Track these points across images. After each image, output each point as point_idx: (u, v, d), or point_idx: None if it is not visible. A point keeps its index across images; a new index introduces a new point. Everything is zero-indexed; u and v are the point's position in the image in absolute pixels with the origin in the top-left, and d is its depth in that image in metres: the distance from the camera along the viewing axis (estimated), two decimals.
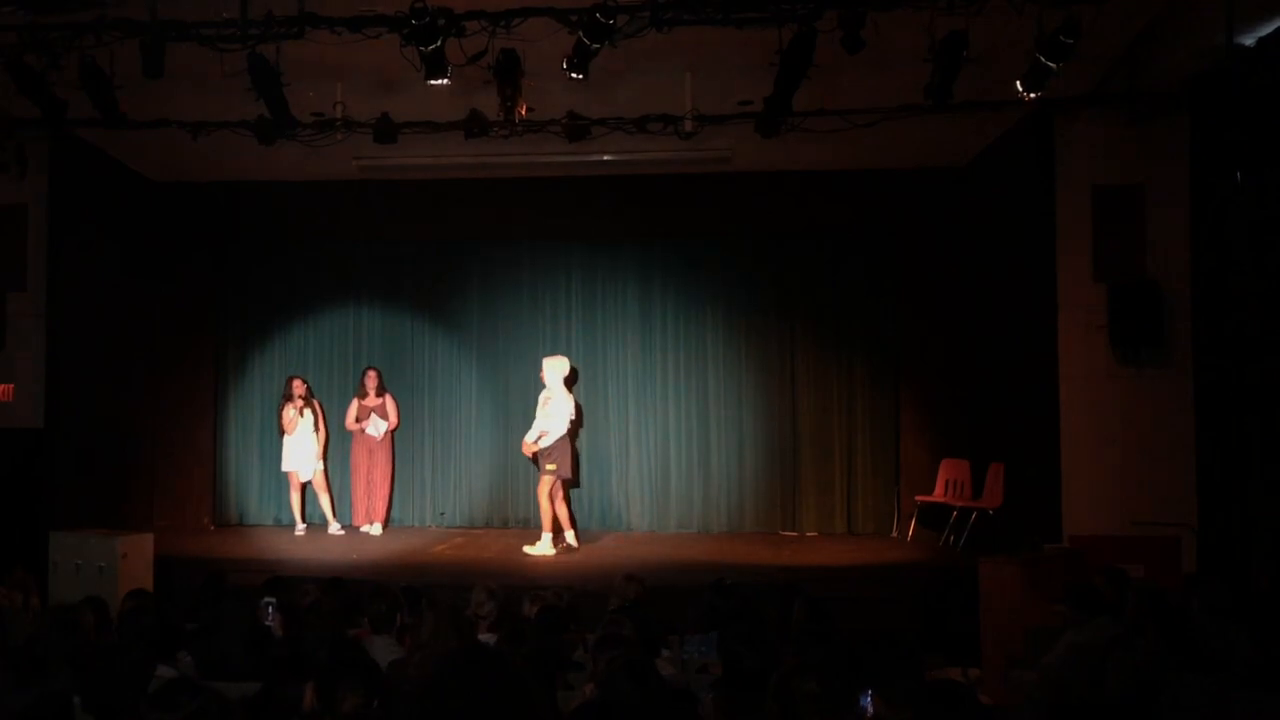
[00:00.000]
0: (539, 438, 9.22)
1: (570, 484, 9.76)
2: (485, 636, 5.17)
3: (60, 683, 3.02)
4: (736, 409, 10.53)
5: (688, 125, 7.67)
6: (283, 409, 10.08)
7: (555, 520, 9.15)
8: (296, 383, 10.08)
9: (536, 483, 9.38)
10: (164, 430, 10.53)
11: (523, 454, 9.55)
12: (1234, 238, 7.11)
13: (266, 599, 5.36)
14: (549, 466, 9.11)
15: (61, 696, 3.05)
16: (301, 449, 9.99)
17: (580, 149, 8.16)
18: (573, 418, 9.37)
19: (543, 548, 9.01)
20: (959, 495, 9.43)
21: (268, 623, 5.15)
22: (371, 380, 10.12)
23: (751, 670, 3.90)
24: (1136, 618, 4.96)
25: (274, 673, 3.86)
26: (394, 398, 10.28)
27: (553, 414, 9.22)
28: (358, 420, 10.13)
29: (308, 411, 10.01)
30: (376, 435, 10.07)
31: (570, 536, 9.22)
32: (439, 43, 6.09)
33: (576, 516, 10.56)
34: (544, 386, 9.38)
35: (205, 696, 2.75)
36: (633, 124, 7.75)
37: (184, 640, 4.84)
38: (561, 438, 9.17)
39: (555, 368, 9.39)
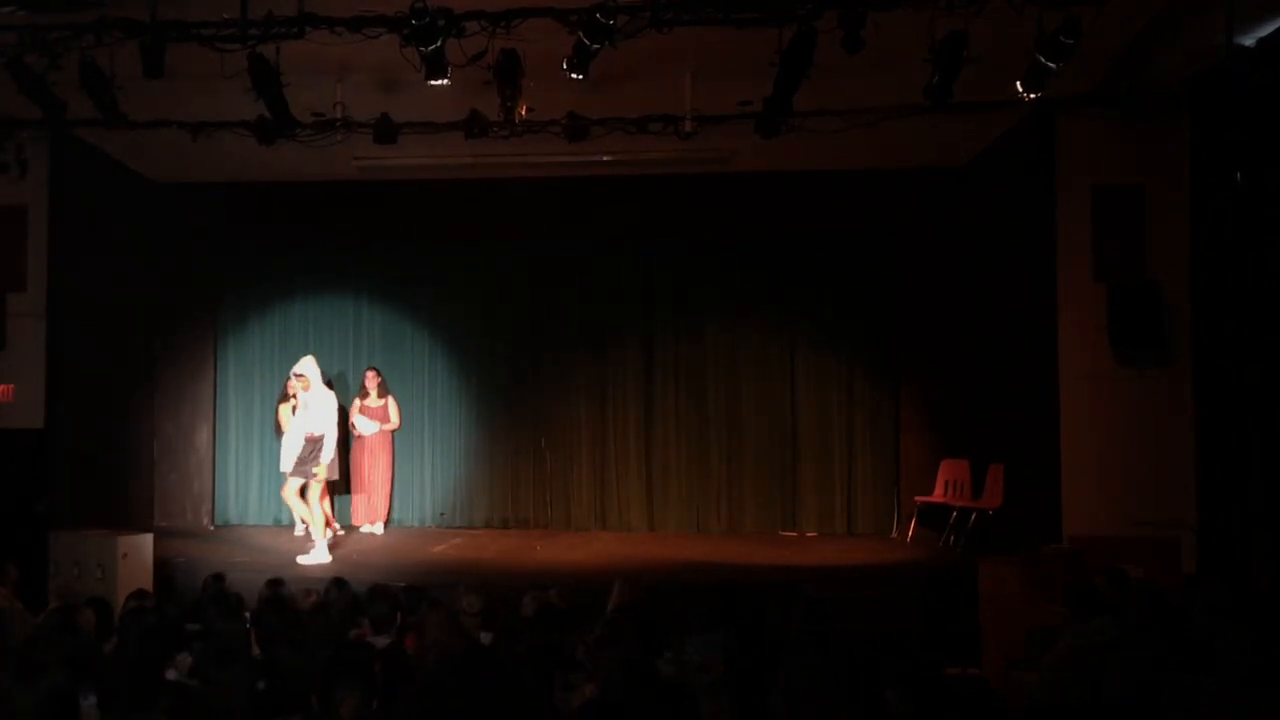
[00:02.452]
0: (310, 442, 8.89)
1: (335, 485, 9.79)
2: (482, 635, 5.18)
3: (63, 681, 3.03)
4: (736, 408, 10.52)
5: (688, 125, 7.67)
6: (280, 408, 10.08)
7: (323, 521, 8.96)
8: (292, 382, 10.07)
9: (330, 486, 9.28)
10: (164, 430, 10.54)
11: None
12: (1234, 238, 7.11)
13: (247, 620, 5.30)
14: (315, 469, 8.80)
15: (67, 695, 3.05)
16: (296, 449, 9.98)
17: (580, 149, 8.15)
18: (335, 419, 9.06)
19: (318, 555, 8.66)
20: (959, 495, 9.44)
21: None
22: (371, 380, 10.11)
23: (753, 671, 3.90)
24: (1136, 618, 4.96)
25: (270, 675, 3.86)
26: (396, 400, 10.27)
27: (318, 416, 8.91)
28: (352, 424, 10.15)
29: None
30: (366, 433, 10.05)
31: (328, 534, 9.00)
32: (439, 43, 6.09)
33: (578, 516, 10.61)
34: (306, 389, 8.99)
35: (204, 696, 2.76)
36: (633, 124, 7.76)
37: (184, 641, 4.84)
38: (329, 439, 8.90)
39: (312, 369, 9.00)
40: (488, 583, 6.67)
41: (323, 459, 8.83)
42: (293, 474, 8.97)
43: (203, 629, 5.05)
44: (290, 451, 9.97)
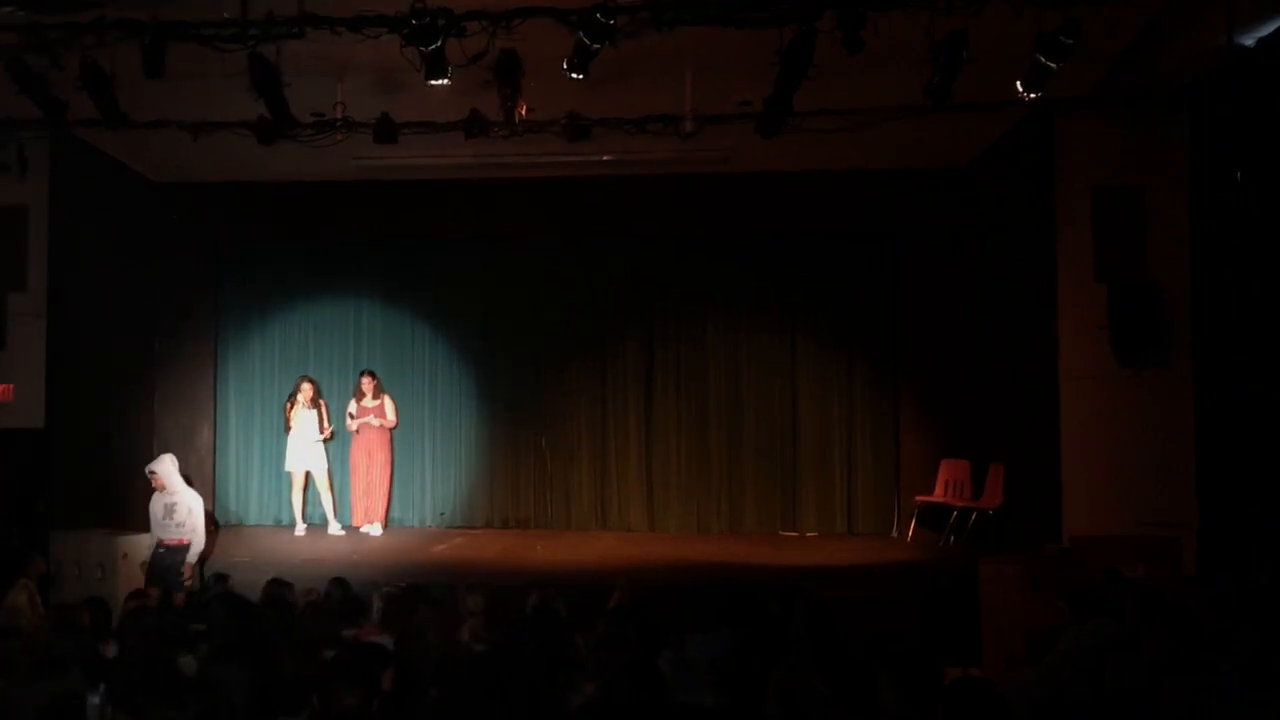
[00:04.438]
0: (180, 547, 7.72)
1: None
2: (481, 634, 5.19)
3: (74, 681, 3.03)
4: (736, 408, 10.53)
5: (688, 125, 7.68)
6: (288, 406, 10.10)
7: None
8: (305, 385, 10.06)
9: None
10: (164, 430, 10.54)
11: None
12: (1234, 238, 7.11)
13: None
14: (185, 582, 7.70)
15: (76, 694, 3.06)
16: (300, 449, 9.98)
17: (580, 149, 8.15)
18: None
19: None
20: (959, 495, 9.44)
21: None
22: (367, 384, 10.08)
23: (753, 670, 3.90)
24: (1136, 618, 4.97)
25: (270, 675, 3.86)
26: (393, 399, 10.26)
27: (194, 524, 7.81)
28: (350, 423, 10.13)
29: (306, 412, 9.97)
30: (373, 423, 10.03)
31: None
32: (439, 43, 6.09)
33: (578, 516, 10.62)
34: (162, 490, 7.83)
35: (210, 695, 2.76)
36: (633, 124, 7.76)
37: (186, 641, 4.84)
38: (195, 546, 7.80)
39: (166, 467, 7.94)
40: (489, 583, 6.68)
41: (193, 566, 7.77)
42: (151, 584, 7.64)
43: (207, 628, 5.05)
44: (295, 451, 9.95)
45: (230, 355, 10.91)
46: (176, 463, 8.10)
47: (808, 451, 10.42)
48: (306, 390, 10.01)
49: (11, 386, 8.60)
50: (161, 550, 7.78)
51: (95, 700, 3.84)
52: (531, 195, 9.95)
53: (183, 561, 7.67)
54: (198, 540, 7.81)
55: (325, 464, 10.08)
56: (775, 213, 10.10)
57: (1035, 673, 5.21)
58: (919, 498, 9.77)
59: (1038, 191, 8.30)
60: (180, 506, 7.80)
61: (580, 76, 6.39)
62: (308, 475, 10.08)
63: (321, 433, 10.02)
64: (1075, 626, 5.12)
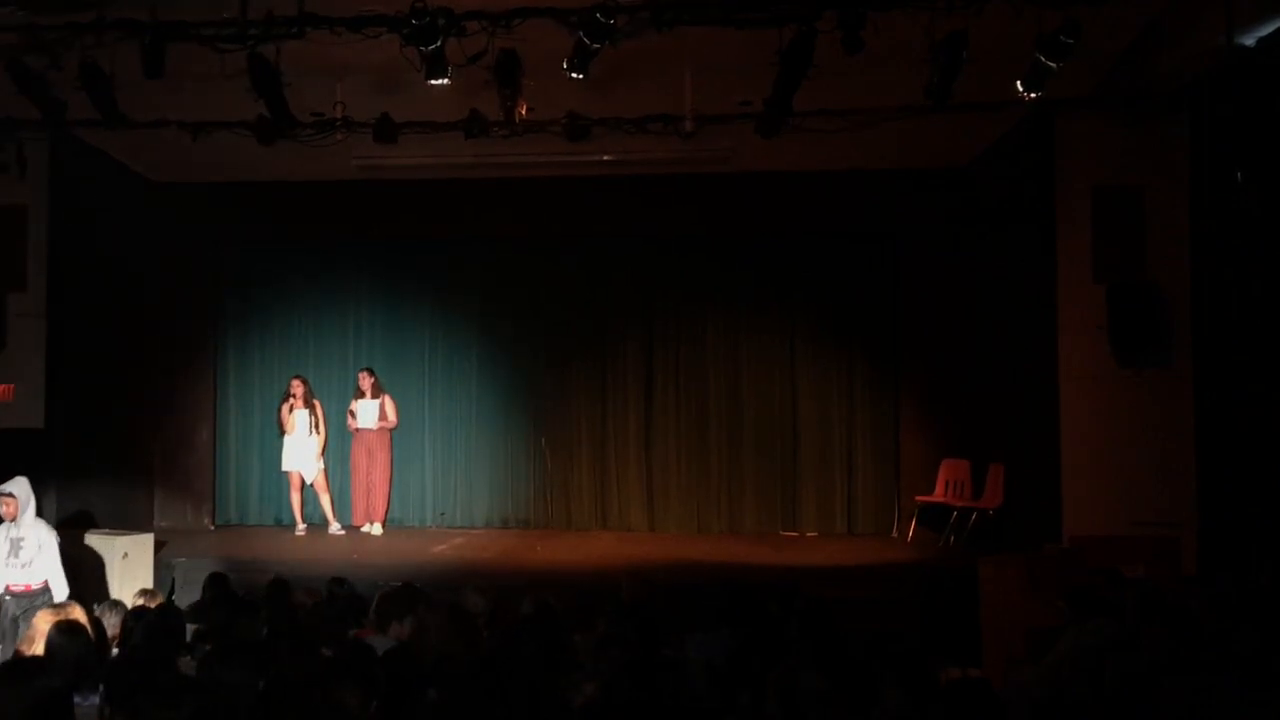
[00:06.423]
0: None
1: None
2: (481, 634, 5.18)
3: (59, 681, 3.03)
4: (736, 408, 10.53)
5: (688, 125, 7.68)
6: (281, 408, 10.08)
7: None
8: (295, 382, 10.06)
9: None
10: (164, 430, 10.54)
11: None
12: (1234, 238, 7.11)
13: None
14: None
15: (62, 695, 3.06)
16: (300, 449, 9.97)
17: (580, 149, 8.15)
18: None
19: None
20: (959, 495, 9.44)
21: None
22: (365, 381, 10.07)
23: (753, 670, 3.90)
24: (1136, 618, 4.97)
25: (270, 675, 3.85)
26: (393, 398, 10.25)
27: (48, 564, 6.40)
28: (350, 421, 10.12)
29: (302, 412, 9.96)
30: (371, 426, 10.02)
31: None
32: (439, 43, 6.10)
33: (578, 516, 10.61)
34: (13, 520, 6.36)
35: (207, 695, 2.77)
36: (633, 124, 7.76)
37: (187, 642, 4.84)
38: (57, 589, 6.39)
39: (23, 489, 6.45)
40: (489, 583, 6.68)
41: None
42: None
43: (207, 629, 5.04)
44: (293, 452, 9.94)
45: (230, 355, 10.91)
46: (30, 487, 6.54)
47: (808, 451, 10.42)
48: (299, 389, 10.00)
49: (11, 386, 8.60)
50: (9, 598, 6.21)
51: (95, 700, 3.84)
52: (531, 195, 9.96)
53: (41, 607, 5.38)
54: (59, 585, 6.32)
55: (321, 464, 10.07)
56: (775, 213, 10.10)
57: (1035, 673, 5.20)
58: (919, 498, 9.77)
59: (1038, 191, 8.30)
60: (29, 542, 6.32)
61: (580, 76, 6.40)
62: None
63: (314, 433, 9.98)
64: (1075, 626, 5.11)
